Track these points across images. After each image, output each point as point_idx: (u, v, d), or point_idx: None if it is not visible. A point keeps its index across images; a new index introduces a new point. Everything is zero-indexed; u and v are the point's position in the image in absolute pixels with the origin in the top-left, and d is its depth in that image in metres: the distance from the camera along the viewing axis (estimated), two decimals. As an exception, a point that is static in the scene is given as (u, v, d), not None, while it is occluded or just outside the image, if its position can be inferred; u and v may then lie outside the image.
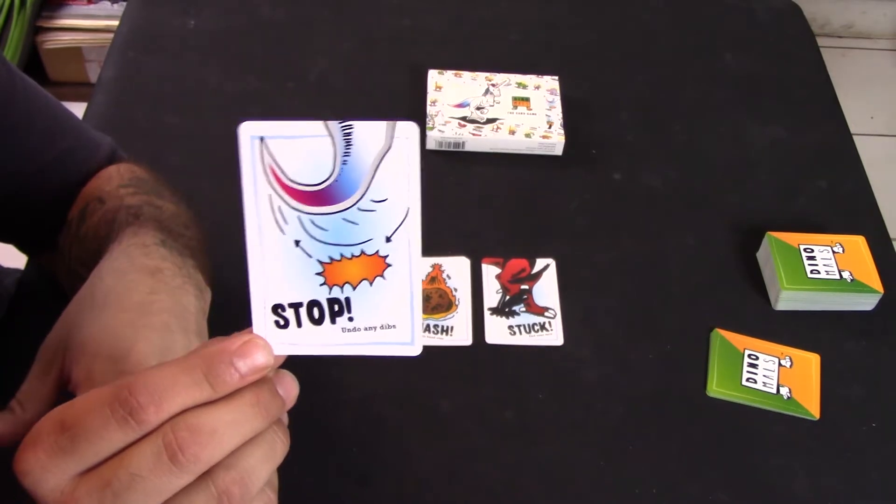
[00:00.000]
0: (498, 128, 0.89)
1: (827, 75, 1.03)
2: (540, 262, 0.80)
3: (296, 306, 0.35)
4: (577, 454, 0.69)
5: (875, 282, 0.76)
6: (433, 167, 0.88)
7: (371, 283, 0.35)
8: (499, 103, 0.91)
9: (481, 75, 0.93)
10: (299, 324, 0.36)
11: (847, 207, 0.80)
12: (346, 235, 0.34)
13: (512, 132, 0.88)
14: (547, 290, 0.78)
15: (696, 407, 0.72)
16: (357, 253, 0.35)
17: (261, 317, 0.36)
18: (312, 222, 0.34)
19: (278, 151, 0.33)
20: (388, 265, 0.35)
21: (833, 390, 0.73)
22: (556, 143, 0.89)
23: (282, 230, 0.34)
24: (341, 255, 0.34)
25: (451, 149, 0.89)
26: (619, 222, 0.85)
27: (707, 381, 0.73)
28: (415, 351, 0.37)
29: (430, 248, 0.81)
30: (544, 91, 0.93)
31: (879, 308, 0.78)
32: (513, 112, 0.90)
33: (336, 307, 0.35)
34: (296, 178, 0.33)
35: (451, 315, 0.76)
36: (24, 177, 0.62)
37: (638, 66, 1.01)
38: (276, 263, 0.35)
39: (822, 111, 0.98)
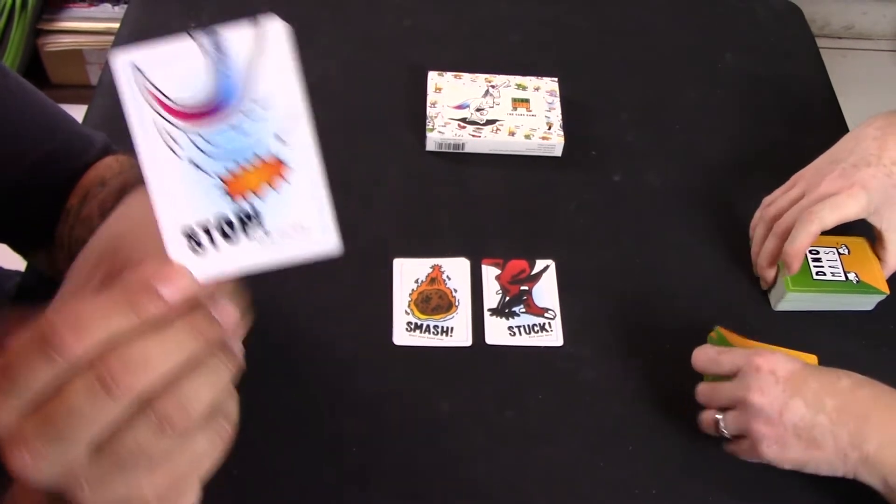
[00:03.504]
0: (498, 129, 0.89)
1: (827, 76, 1.03)
2: (540, 263, 0.81)
3: (206, 226, 0.35)
4: (577, 454, 0.69)
5: (881, 283, 0.76)
6: (433, 168, 0.88)
7: (275, 189, 0.35)
8: (498, 105, 0.91)
9: (481, 77, 0.94)
10: (214, 244, 0.35)
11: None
12: (238, 145, 0.34)
13: (512, 133, 0.89)
14: (547, 290, 0.79)
15: (695, 407, 0.72)
16: (252, 160, 0.34)
17: (174, 243, 0.35)
18: (203, 138, 0.34)
19: (154, 75, 0.33)
20: (285, 164, 0.34)
21: (833, 390, 0.73)
22: (555, 144, 0.89)
23: (174, 152, 0.34)
24: (239, 166, 0.34)
25: (451, 150, 0.89)
26: (618, 223, 0.85)
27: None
28: (333, 249, 0.36)
29: (430, 248, 0.82)
30: (544, 92, 0.93)
31: (879, 308, 0.78)
32: (512, 113, 0.90)
33: (247, 219, 0.35)
34: (176, 99, 0.33)
35: (451, 316, 0.76)
36: (19, 172, 0.63)
37: (638, 67, 1.01)
38: (177, 186, 0.34)
39: (821, 112, 0.98)
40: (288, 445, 0.68)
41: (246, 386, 0.73)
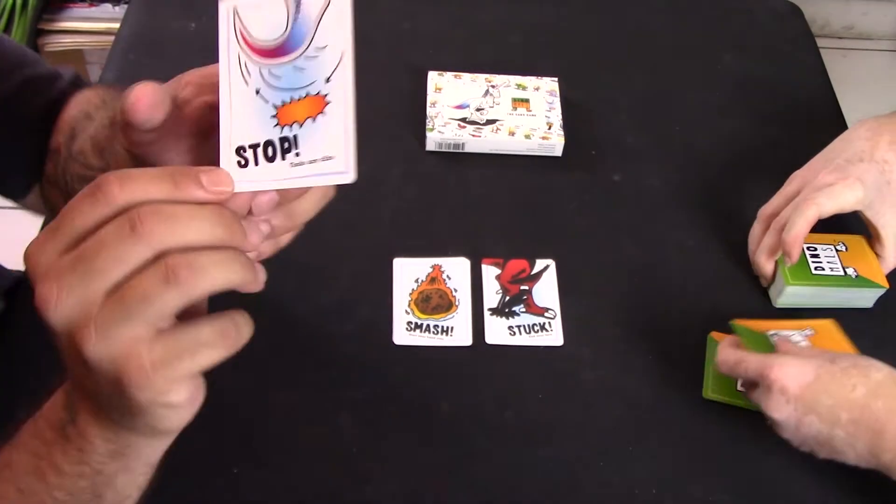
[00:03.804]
0: (498, 129, 0.89)
1: (827, 76, 1.03)
2: (540, 263, 0.81)
3: (255, 147, 0.42)
4: (576, 454, 0.69)
5: (880, 277, 0.76)
6: (433, 168, 0.88)
7: (314, 121, 0.41)
8: (498, 104, 0.91)
9: (481, 77, 0.94)
10: (256, 162, 0.41)
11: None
12: (295, 81, 0.41)
13: (511, 133, 0.89)
14: (547, 290, 0.79)
15: (695, 407, 0.72)
16: (304, 95, 0.41)
17: (227, 157, 0.42)
18: (270, 72, 0.41)
19: (247, 17, 0.41)
20: (328, 102, 0.41)
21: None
22: (555, 144, 0.89)
23: (246, 82, 0.42)
24: (291, 98, 0.41)
25: (451, 150, 0.89)
26: (618, 223, 0.85)
27: (703, 385, 0.73)
28: (349, 178, 0.41)
29: (430, 248, 0.82)
30: (544, 92, 0.93)
31: (879, 308, 0.78)
32: (512, 113, 0.90)
33: (286, 144, 0.41)
34: (259, 37, 0.41)
35: (451, 315, 0.76)
36: None
37: (638, 68, 1.01)
38: (242, 110, 0.42)
39: (822, 112, 0.98)
40: (288, 445, 0.68)
41: (246, 386, 0.74)
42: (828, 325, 0.75)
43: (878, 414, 0.60)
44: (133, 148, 0.48)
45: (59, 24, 1.83)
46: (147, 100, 0.44)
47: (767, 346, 0.69)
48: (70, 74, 0.68)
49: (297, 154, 0.41)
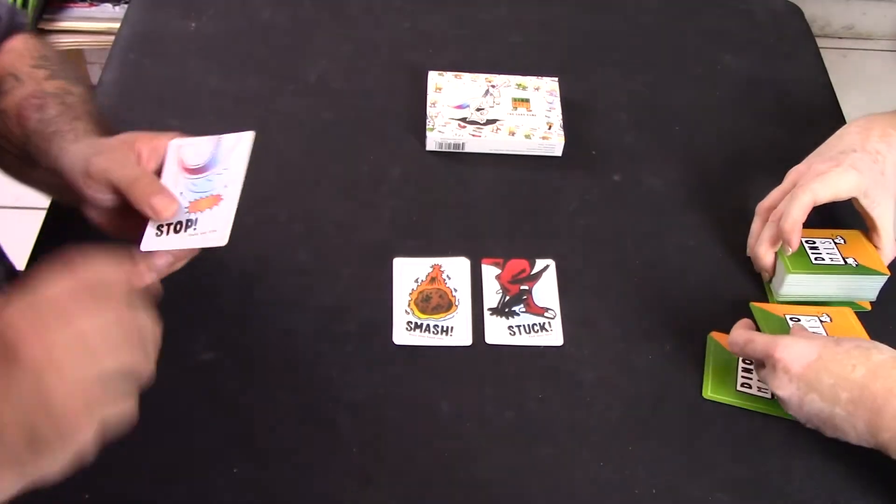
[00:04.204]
0: (498, 129, 0.89)
1: (827, 76, 1.03)
2: (540, 263, 0.81)
3: (170, 225, 0.61)
4: (577, 454, 0.69)
5: (881, 266, 0.76)
6: (433, 168, 0.88)
7: (211, 210, 0.60)
8: (498, 104, 0.91)
9: (481, 77, 0.94)
10: (168, 233, 0.60)
11: (846, 208, 0.80)
12: (205, 187, 0.62)
13: (512, 133, 0.89)
14: (547, 290, 0.79)
15: (695, 407, 0.72)
16: (207, 195, 0.61)
17: (151, 228, 0.61)
18: (192, 182, 0.62)
19: (183, 151, 0.63)
20: (222, 199, 0.60)
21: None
22: (555, 143, 0.89)
23: (175, 186, 0.62)
24: (200, 197, 0.61)
25: (451, 150, 0.89)
26: (618, 223, 0.85)
27: (703, 385, 0.73)
28: (223, 243, 0.58)
29: (430, 248, 0.82)
30: (544, 92, 0.93)
31: (878, 308, 0.78)
32: (512, 113, 0.90)
33: (189, 223, 0.60)
34: (190, 163, 0.63)
35: (451, 315, 0.76)
36: None
37: (637, 67, 1.01)
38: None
39: (822, 112, 0.98)
40: (288, 445, 0.68)
41: (247, 385, 0.74)
42: (844, 311, 0.76)
43: (876, 394, 0.61)
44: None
45: (59, 24, 1.83)
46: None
47: (784, 328, 0.71)
48: (7, 15, 0.70)
49: (195, 229, 0.59)
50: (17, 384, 0.43)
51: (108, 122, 0.70)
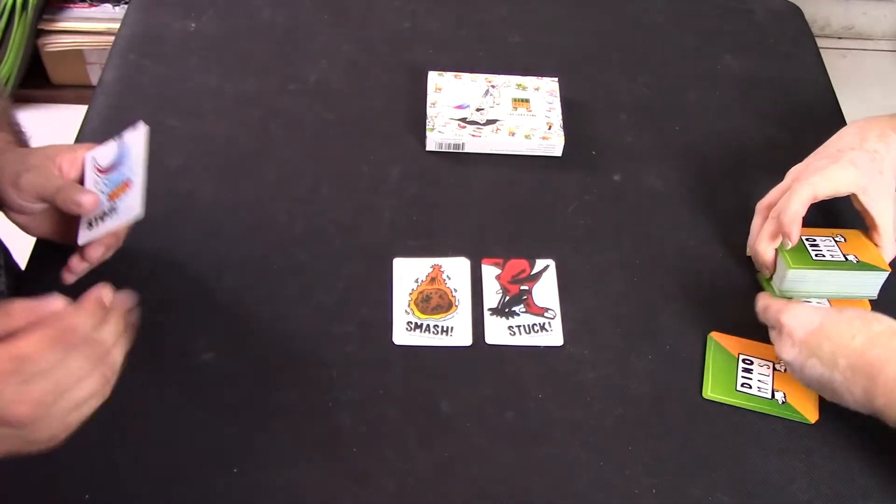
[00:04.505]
0: (498, 129, 0.89)
1: (827, 76, 1.03)
2: (540, 263, 0.81)
3: (97, 217, 0.71)
4: (577, 454, 0.69)
5: (881, 262, 0.76)
6: (433, 168, 0.88)
7: (126, 193, 0.70)
8: (498, 105, 0.91)
9: (481, 77, 0.94)
10: (96, 224, 0.71)
11: (846, 207, 0.80)
12: (118, 178, 0.71)
13: (512, 133, 0.89)
14: (547, 290, 0.79)
15: (695, 407, 0.72)
16: (120, 183, 0.71)
17: (85, 224, 0.72)
18: (106, 179, 0.72)
19: (98, 156, 0.73)
20: (131, 182, 0.70)
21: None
22: (555, 144, 0.89)
23: (95, 185, 0.72)
24: (115, 187, 0.71)
25: (451, 150, 0.89)
26: (618, 223, 0.85)
27: (703, 385, 0.73)
28: (141, 215, 0.69)
29: (430, 248, 0.82)
30: (544, 92, 0.93)
31: (879, 305, 0.78)
32: (512, 113, 0.90)
33: (111, 210, 0.71)
34: (103, 164, 0.73)
35: (451, 315, 0.76)
36: None
37: (637, 68, 1.01)
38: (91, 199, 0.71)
39: (821, 112, 0.98)
40: (288, 445, 0.68)
41: (246, 386, 0.74)
42: (855, 233, 0.79)
43: (872, 361, 0.64)
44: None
45: (59, 24, 1.83)
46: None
47: (805, 256, 0.76)
48: None
49: (116, 213, 0.70)
50: (6, 437, 0.51)
51: (24, 134, 0.78)
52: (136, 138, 0.72)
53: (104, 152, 0.73)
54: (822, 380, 0.66)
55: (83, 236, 0.72)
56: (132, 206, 0.69)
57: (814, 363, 0.66)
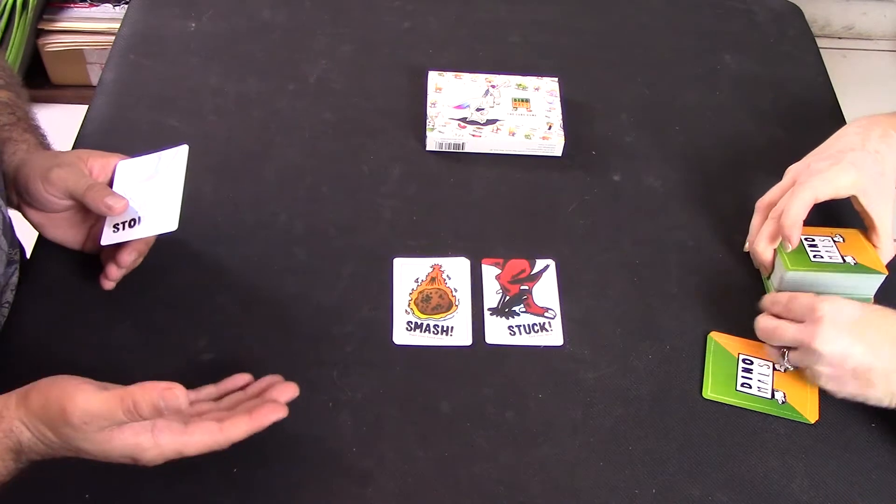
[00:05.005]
0: (498, 129, 0.89)
1: (827, 77, 1.03)
2: (540, 263, 0.81)
3: (125, 222, 0.72)
4: (576, 454, 0.69)
5: (878, 264, 0.76)
6: (433, 168, 0.88)
7: (158, 204, 0.71)
8: (499, 104, 0.91)
9: (481, 77, 0.94)
10: (123, 229, 0.71)
11: (846, 207, 0.80)
12: (151, 192, 0.72)
13: (512, 133, 0.89)
14: (547, 290, 0.79)
15: (695, 407, 0.72)
16: (153, 196, 0.71)
17: (109, 225, 0.73)
18: (139, 189, 0.72)
19: (131, 168, 0.74)
20: (167, 196, 0.70)
21: (833, 390, 0.73)
22: (555, 144, 0.89)
23: (125, 193, 0.72)
24: (147, 199, 0.72)
25: (451, 150, 0.89)
26: (618, 223, 0.85)
27: (703, 385, 0.73)
28: (174, 228, 0.69)
29: (430, 248, 0.82)
30: (544, 92, 0.93)
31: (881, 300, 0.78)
32: (513, 113, 0.90)
33: (140, 219, 0.71)
34: (136, 174, 0.74)
35: (451, 315, 0.76)
36: None
37: (637, 68, 1.01)
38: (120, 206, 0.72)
39: (822, 112, 0.98)
40: (288, 445, 0.68)
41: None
42: (854, 233, 0.79)
43: None
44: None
45: (59, 24, 1.83)
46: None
47: (805, 258, 0.76)
48: None
49: (147, 221, 0.71)
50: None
51: (46, 138, 0.80)
52: (177, 155, 0.73)
53: (140, 163, 0.74)
54: (861, 367, 0.66)
55: (107, 237, 0.72)
56: (168, 218, 0.70)
57: (857, 351, 0.66)
